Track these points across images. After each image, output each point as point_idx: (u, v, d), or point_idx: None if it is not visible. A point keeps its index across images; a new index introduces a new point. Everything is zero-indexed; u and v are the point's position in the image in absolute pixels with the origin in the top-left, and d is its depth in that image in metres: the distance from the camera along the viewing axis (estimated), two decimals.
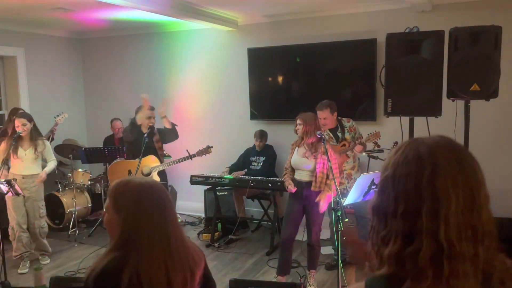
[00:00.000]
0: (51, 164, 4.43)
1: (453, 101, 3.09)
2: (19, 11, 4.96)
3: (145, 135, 4.04)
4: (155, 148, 4.35)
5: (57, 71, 6.56)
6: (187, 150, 4.31)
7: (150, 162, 4.20)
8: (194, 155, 4.28)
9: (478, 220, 0.83)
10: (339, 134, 4.18)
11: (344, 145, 4.05)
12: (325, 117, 4.07)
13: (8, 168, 4.32)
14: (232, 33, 5.75)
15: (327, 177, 3.61)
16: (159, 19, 5.46)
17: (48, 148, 4.40)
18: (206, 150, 4.34)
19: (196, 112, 6.18)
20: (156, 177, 4.19)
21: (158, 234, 1.23)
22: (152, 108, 4.62)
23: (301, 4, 4.85)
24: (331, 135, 4.18)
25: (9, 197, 4.25)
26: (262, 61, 5.56)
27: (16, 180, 4.01)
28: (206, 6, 4.94)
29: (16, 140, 4.13)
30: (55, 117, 5.36)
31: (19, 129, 4.13)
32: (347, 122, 4.23)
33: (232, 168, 5.35)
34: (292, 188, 3.70)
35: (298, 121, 3.70)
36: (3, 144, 4.24)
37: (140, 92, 6.42)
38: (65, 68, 6.70)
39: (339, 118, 4.23)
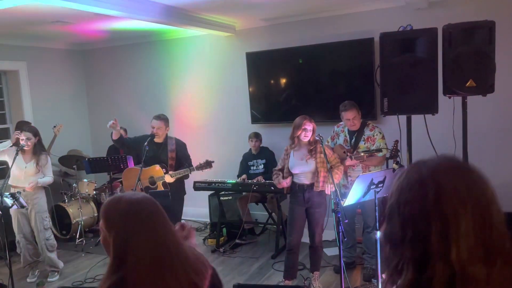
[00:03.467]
0: (47, 178, 4.38)
1: (449, 97, 3.08)
2: (19, 25, 5.03)
3: (145, 143, 4.06)
4: (163, 158, 4.32)
5: (59, 83, 6.63)
6: (186, 164, 4.33)
7: (155, 172, 4.22)
8: (193, 169, 4.30)
9: (489, 240, 0.80)
10: (354, 140, 4.02)
11: (344, 152, 3.98)
12: (354, 116, 3.92)
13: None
14: (230, 38, 5.78)
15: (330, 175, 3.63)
16: (157, 27, 5.50)
17: (49, 164, 4.41)
18: (207, 165, 4.33)
19: (197, 118, 6.21)
20: (160, 187, 4.21)
21: (149, 252, 1.19)
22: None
23: (298, 6, 4.87)
24: (347, 138, 4.07)
25: (13, 212, 4.28)
26: (261, 65, 5.57)
27: (20, 193, 4.04)
28: (202, 13, 4.97)
29: (18, 152, 4.15)
30: (53, 128, 5.46)
31: (23, 142, 4.17)
32: (369, 131, 4.00)
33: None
34: (283, 181, 3.67)
35: (309, 127, 3.59)
36: (8, 151, 4.29)
37: (141, 101, 6.52)
38: (67, 79, 6.77)
39: (366, 122, 4.06)
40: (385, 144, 3.94)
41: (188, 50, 6.14)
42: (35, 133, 4.32)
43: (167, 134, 4.44)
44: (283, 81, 5.54)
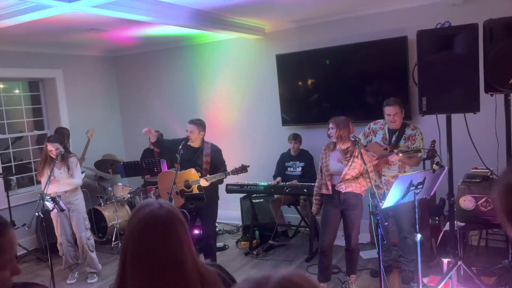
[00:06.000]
0: (75, 180, 4.48)
1: (491, 95, 2.98)
2: (56, 34, 5.19)
3: (180, 147, 4.12)
4: (198, 163, 4.37)
5: (93, 89, 6.81)
6: (221, 168, 4.36)
7: (190, 175, 4.27)
8: (228, 173, 4.34)
9: None
10: (394, 138, 3.94)
11: (386, 149, 3.92)
12: (395, 112, 3.83)
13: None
14: (260, 40, 5.79)
15: (356, 178, 3.60)
16: (187, 32, 5.57)
17: (77, 167, 4.53)
18: (242, 169, 4.37)
19: (228, 121, 6.25)
20: (195, 190, 4.25)
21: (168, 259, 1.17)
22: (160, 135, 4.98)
23: (328, 6, 4.83)
24: (386, 136, 3.99)
25: (54, 216, 4.42)
26: (291, 67, 5.56)
27: (60, 197, 4.16)
28: (232, 17, 5.00)
29: (56, 161, 4.25)
30: (86, 133, 5.58)
31: (53, 153, 4.25)
32: (411, 130, 3.91)
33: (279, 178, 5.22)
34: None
35: (331, 125, 3.64)
36: (43, 166, 4.38)
37: (173, 105, 6.61)
38: (101, 85, 6.94)
39: (406, 122, 3.99)
40: (424, 146, 3.89)
41: (218, 54, 6.19)
42: (61, 141, 4.43)
43: (203, 139, 4.45)
44: (313, 82, 5.50)
